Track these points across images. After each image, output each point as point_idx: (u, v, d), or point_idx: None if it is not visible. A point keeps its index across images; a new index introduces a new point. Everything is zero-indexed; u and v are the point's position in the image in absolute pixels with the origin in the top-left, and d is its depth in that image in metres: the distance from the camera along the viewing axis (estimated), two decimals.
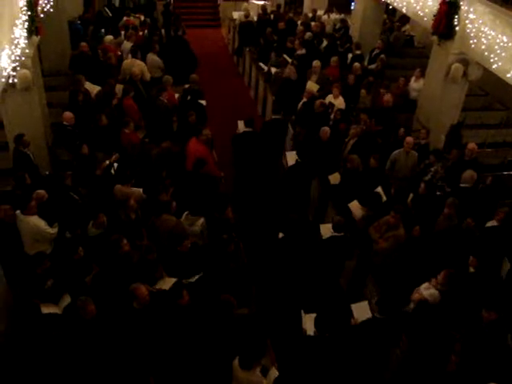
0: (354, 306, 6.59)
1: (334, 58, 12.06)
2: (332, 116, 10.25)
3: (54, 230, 6.96)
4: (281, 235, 7.37)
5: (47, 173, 8.65)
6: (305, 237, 7.40)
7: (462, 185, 8.13)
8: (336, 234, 7.20)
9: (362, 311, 6.51)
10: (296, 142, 9.67)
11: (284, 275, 7.22)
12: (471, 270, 6.72)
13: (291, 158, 9.00)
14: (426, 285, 6.48)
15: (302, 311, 6.46)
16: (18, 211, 6.82)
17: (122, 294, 5.78)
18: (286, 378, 5.27)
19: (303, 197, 8.85)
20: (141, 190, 7.73)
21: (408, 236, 7.33)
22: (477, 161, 8.82)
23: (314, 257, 7.19)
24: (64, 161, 8.55)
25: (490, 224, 7.61)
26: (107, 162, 8.16)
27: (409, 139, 8.85)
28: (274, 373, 5.32)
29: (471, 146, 8.76)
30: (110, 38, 12.56)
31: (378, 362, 6.45)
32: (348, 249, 7.32)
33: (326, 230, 7.63)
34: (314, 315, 5.92)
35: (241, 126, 9.84)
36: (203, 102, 10.58)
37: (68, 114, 8.91)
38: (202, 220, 7.25)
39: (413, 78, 11.60)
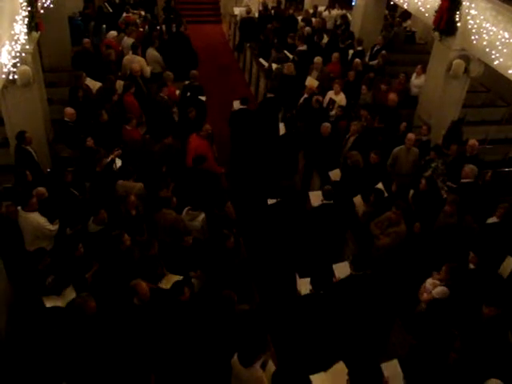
0: (335, 266, 6.85)
1: (335, 55, 12.04)
2: (333, 112, 10.25)
3: (54, 227, 6.97)
4: (270, 202, 7.84)
5: (49, 170, 8.65)
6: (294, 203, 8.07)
7: (463, 180, 8.11)
8: (326, 201, 7.64)
9: (342, 270, 6.73)
10: (285, 118, 10.21)
11: (276, 241, 7.71)
12: (471, 266, 6.72)
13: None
14: (430, 281, 6.48)
15: (297, 274, 6.69)
16: (18, 208, 6.82)
17: (123, 290, 5.78)
18: (284, 372, 5.28)
19: (292, 166, 9.59)
20: (142, 184, 7.74)
21: (409, 232, 7.34)
22: (478, 157, 8.81)
23: (304, 223, 7.69)
24: (64, 157, 8.55)
25: (490, 221, 7.61)
26: (108, 158, 8.14)
27: (410, 136, 8.84)
28: (272, 367, 5.35)
29: (472, 142, 8.75)
30: (113, 33, 12.53)
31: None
32: (338, 216, 7.73)
33: (316, 197, 8.07)
34: (308, 279, 6.23)
35: (236, 104, 10.54)
36: (203, 98, 10.58)
37: (69, 110, 8.89)
38: (202, 215, 7.27)
39: (414, 75, 11.57)
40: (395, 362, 5.69)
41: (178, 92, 10.68)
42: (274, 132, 9.89)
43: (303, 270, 6.93)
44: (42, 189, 7.12)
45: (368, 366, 5.49)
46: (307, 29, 13.47)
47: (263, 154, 9.99)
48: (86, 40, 11.43)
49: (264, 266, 7.85)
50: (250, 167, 10.14)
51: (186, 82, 10.73)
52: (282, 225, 7.54)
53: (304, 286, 6.48)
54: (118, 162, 8.36)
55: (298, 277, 6.71)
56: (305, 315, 6.21)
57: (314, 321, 6.14)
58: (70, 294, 6.08)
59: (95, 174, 7.86)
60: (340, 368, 5.51)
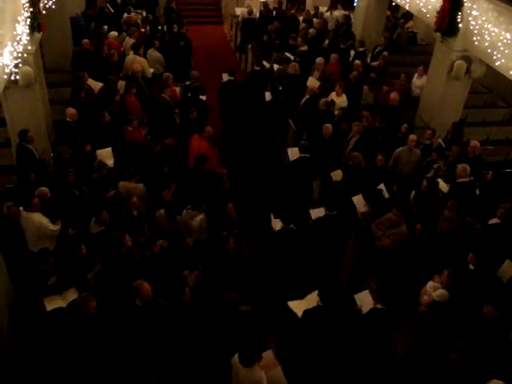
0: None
1: (334, 56, 12.03)
2: (335, 113, 10.25)
3: (56, 227, 6.98)
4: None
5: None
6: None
7: (458, 180, 8.10)
8: (303, 155, 8.65)
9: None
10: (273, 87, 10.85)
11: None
12: (471, 267, 6.71)
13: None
14: (431, 283, 6.49)
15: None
16: (20, 208, 6.83)
17: (125, 290, 5.78)
18: None
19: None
20: (143, 185, 7.75)
21: (410, 233, 7.33)
22: (480, 158, 8.81)
23: (281, 177, 8.84)
24: (66, 158, 8.57)
25: (492, 222, 7.60)
26: (105, 167, 8.01)
27: (412, 137, 8.83)
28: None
29: (474, 143, 8.74)
30: (114, 33, 12.55)
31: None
32: (313, 168, 8.75)
33: (294, 152, 9.00)
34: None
35: (225, 77, 11.39)
36: (203, 98, 10.59)
37: (71, 111, 8.91)
38: (201, 216, 7.28)
39: (416, 75, 11.56)
40: (366, 292, 6.68)
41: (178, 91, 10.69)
42: (261, 100, 10.77)
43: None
44: (44, 189, 7.13)
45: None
46: (311, 30, 13.46)
47: (251, 120, 10.88)
48: (85, 40, 11.44)
49: (265, 267, 7.84)
50: (239, 133, 11.03)
51: (187, 83, 10.75)
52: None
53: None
54: (110, 161, 8.39)
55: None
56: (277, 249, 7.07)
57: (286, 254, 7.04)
58: (72, 294, 6.10)
59: (92, 180, 7.80)
60: (314, 295, 6.14)
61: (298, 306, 6.37)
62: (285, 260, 7.25)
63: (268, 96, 10.68)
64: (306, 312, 6.06)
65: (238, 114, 11.04)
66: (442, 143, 9.47)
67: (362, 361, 6.79)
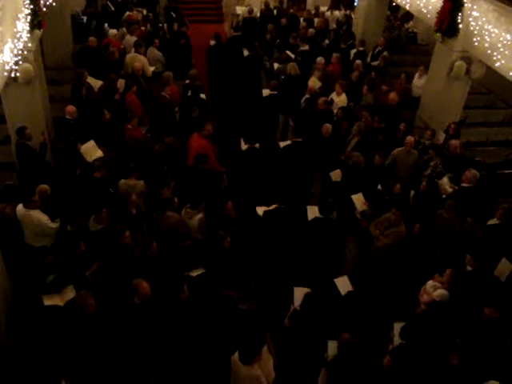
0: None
1: (335, 55, 12.03)
2: (335, 112, 10.24)
3: (55, 225, 6.97)
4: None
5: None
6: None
7: (463, 184, 8.08)
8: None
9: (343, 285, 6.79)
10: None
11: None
12: (468, 268, 6.71)
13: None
14: (431, 283, 6.48)
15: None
16: (20, 205, 6.83)
17: (123, 288, 5.79)
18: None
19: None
20: (143, 182, 7.75)
21: (409, 233, 7.35)
22: (464, 157, 8.94)
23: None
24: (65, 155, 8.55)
25: (491, 222, 7.62)
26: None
27: (409, 138, 8.83)
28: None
29: (454, 142, 8.87)
30: (113, 31, 12.55)
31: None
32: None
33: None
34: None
35: (212, 42, 13.09)
36: (203, 96, 10.60)
37: (71, 108, 8.89)
38: (200, 215, 7.27)
39: (416, 75, 11.56)
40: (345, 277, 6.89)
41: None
42: (240, 57, 12.82)
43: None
44: (45, 186, 7.13)
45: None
46: (311, 30, 13.46)
47: (232, 73, 12.72)
48: (92, 38, 11.40)
49: (264, 265, 7.86)
50: (224, 86, 12.82)
51: (187, 82, 10.75)
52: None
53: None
54: (98, 153, 8.35)
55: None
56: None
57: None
58: (70, 294, 6.07)
59: (74, 177, 7.72)
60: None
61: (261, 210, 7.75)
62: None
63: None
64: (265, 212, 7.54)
65: (223, 71, 12.87)
66: (443, 137, 9.49)
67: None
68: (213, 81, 13.35)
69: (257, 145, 9.10)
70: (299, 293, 6.25)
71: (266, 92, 11.00)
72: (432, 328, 5.95)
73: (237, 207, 8.00)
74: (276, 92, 10.70)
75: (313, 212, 7.82)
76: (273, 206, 7.82)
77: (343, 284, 6.86)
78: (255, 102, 11.52)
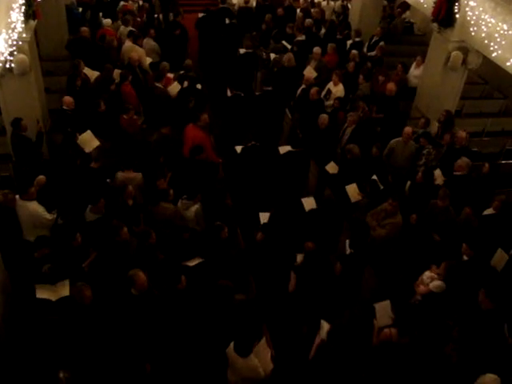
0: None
1: (332, 45, 11.98)
2: (330, 103, 10.22)
3: (52, 217, 6.96)
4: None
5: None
6: None
7: (455, 173, 8.12)
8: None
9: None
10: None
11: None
12: (465, 258, 6.74)
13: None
14: (427, 273, 6.49)
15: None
16: (17, 196, 6.81)
17: (120, 279, 5.79)
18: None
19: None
20: (141, 174, 7.74)
21: (405, 223, 7.36)
22: (467, 149, 8.85)
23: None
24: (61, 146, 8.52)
25: (486, 212, 7.64)
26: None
27: (407, 129, 8.83)
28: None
29: (461, 134, 8.78)
30: (108, 21, 12.46)
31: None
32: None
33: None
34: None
35: (200, 14, 14.18)
36: (198, 87, 10.55)
37: (68, 99, 8.84)
38: (196, 206, 7.28)
39: (413, 65, 11.55)
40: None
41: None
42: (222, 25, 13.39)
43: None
44: (42, 177, 7.11)
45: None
46: (308, 20, 13.39)
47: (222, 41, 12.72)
48: (84, 28, 11.32)
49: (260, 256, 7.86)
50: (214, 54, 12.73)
51: (181, 72, 10.69)
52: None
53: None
54: (95, 142, 8.34)
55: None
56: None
57: None
58: (64, 291, 5.92)
59: (74, 167, 7.74)
60: None
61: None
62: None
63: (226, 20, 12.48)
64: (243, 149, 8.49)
65: (212, 39, 13.05)
66: (437, 125, 9.48)
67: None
68: (204, 52, 13.69)
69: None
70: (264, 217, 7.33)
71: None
72: (429, 318, 5.98)
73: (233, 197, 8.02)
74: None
75: (309, 204, 7.83)
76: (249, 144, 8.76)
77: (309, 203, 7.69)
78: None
